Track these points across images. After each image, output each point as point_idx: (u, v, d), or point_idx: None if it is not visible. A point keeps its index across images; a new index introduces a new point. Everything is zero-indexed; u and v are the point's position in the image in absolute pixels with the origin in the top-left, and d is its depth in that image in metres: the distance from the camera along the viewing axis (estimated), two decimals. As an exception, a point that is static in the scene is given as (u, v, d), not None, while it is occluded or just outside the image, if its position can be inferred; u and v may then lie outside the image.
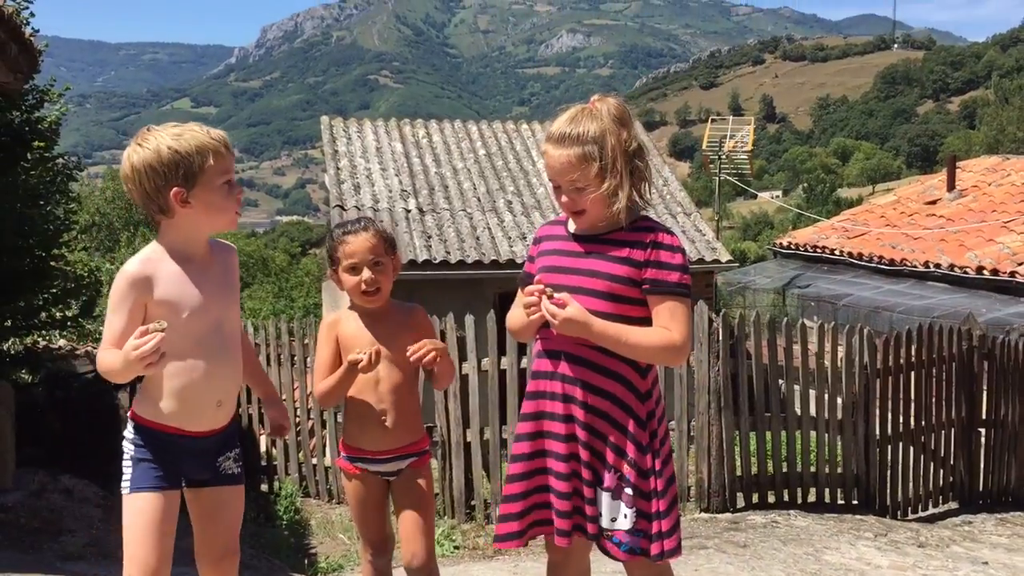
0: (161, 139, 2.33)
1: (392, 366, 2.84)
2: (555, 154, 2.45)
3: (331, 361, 2.88)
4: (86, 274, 12.72)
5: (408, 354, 2.74)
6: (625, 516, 2.46)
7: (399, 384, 2.86)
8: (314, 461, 7.36)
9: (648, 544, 2.47)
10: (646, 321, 2.46)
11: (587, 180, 2.42)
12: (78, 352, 11.75)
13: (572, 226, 2.58)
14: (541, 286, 2.45)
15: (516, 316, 2.62)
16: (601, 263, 2.47)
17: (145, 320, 2.35)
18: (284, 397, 7.48)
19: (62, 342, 12.87)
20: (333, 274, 2.91)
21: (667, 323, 2.43)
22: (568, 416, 2.50)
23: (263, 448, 7.97)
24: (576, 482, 2.51)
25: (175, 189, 2.32)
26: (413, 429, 2.92)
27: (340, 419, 7.13)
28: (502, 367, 6.14)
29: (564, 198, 2.49)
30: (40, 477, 5.74)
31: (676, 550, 2.49)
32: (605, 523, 2.49)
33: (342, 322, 2.91)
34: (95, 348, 12.46)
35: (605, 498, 2.48)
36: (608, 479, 2.47)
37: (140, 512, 2.40)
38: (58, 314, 9.79)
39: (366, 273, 2.81)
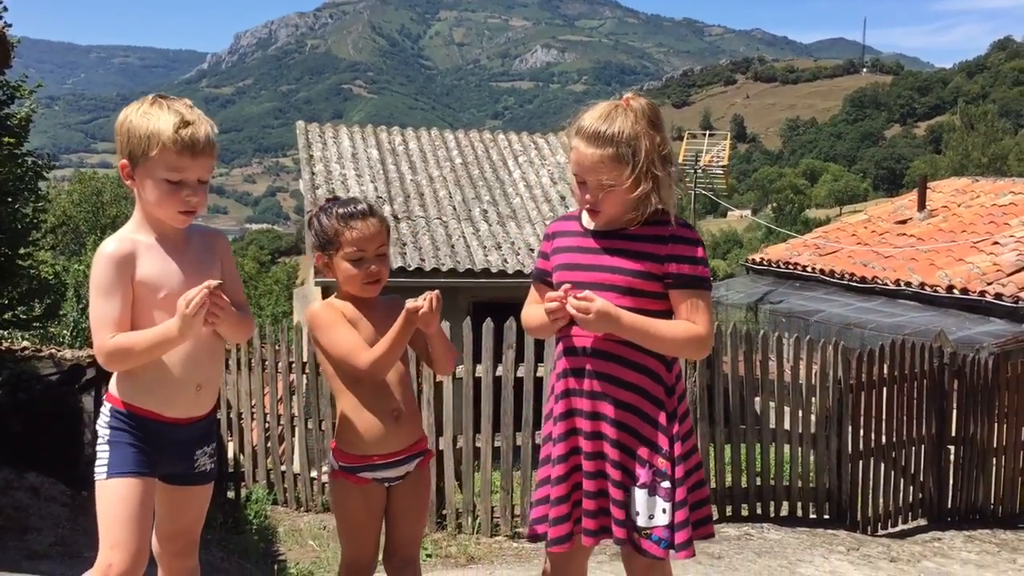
0: (137, 109, 2.32)
1: None
2: (587, 151, 2.39)
3: (358, 334, 2.60)
4: (51, 276, 12.53)
5: (411, 306, 2.52)
6: (664, 511, 2.42)
7: (404, 376, 2.70)
8: (283, 468, 7.25)
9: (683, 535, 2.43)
10: (665, 315, 2.44)
11: (617, 180, 2.38)
12: (42, 354, 11.53)
13: (588, 222, 2.54)
14: (562, 292, 2.40)
15: (533, 314, 2.59)
16: (620, 259, 2.44)
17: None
18: (254, 403, 7.38)
19: (25, 343, 12.65)
20: (323, 258, 2.68)
21: (690, 315, 2.42)
22: (594, 413, 2.47)
23: (230, 454, 7.84)
24: (602, 482, 2.47)
25: (122, 161, 2.33)
26: (419, 425, 2.75)
27: (310, 425, 7.04)
28: (476, 375, 6.09)
29: (588, 195, 2.44)
30: (5, 475, 5.60)
31: (687, 544, 2.43)
32: (642, 521, 2.44)
33: (341, 307, 2.68)
34: (59, 351, 12.27)
35: (640, 495, 2.44)
36: (643, 475, 2.43)
37: (119, 498, 2.30)
38: (22, 315, 9.63)
39: (372, 264, 2.63)
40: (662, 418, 2.45)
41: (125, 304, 2.29)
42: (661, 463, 2.43)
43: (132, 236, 2.37)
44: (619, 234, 2.47)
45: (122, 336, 2.27)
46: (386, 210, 13.32)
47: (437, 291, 2.55)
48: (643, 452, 2.44)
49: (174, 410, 2.38)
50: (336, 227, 2.63)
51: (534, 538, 2.58)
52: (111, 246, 2.32)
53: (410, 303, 2.51)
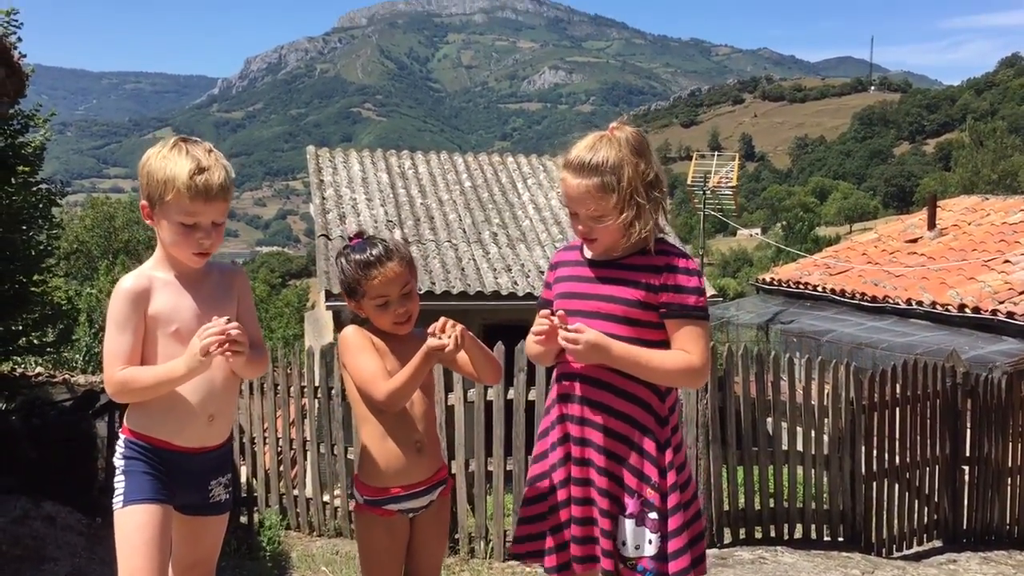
0: (157, 153, 2.38)
1: (420, 389, 2.65)
2: (573, 183, 2.43)
3: (382, 363, 2.59)
4: (64, 301, 12.62)
5: (435, 344, 2.48)
6: (650, 542, 2.42)
7: (428, 408, 2.69)
8: (295, 493, 7.25)
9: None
10: (663, 344, 2.45)
11: (605, 210, 2.40)
12: (55, 379, 11.61)
13: (587, 251, 2.57)
14: (548, 311, 2.44)
15: (533, 342, 2.61)
16: (617, 288, 2.46)
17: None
18: (266, 427, 7.39)
19: (39, 369, 12.72)
20: (352, 303, 2.68)
21: (686, 346, 2.43)
22: (582, 439, 2.48)
23: (243, 479, 7.85)
24: (588, 508, 2.47)
25: (143, 202, 2.41)
26: (439, 455, 2.75)
27: (323, 450, 7.05)
28: (488, 398, 6.09)
29: (580, 226, 2.47)
30: (22, 504, 5.62)
31: (687, 570, 2.42)
32: (629, 552, 2.44)
33: (371, 335, 2.66)
34: (72, 376, 12.33)
35: (628, 525, 2.44)
36: (631, 505, 2.44)
37: (136, 526, 2.34)
38: (36, 340, 9.70)
39: (397, 306, 2.62)
40: (652, 448, 2.45)
41: (136, 339, 2.36)
42: (650, 493, 2.43)
43: (150, 272, 2.44)
44: (615, 263, 2.49)
45: (130, 370, 2.33)
46: (396, 234, 13.38)
47: (461, 326, 2.52)
48: (632, 482, 2.44)
49: (186, 439, 2.41)
50: (356, 276, 2.62)
51: (517, 556, 2.62)
52: (128, 281, 2.39)
53: (433, 341, 2.48)
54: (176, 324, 2.38)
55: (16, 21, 10.29)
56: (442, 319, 2.54)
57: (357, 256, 2.63)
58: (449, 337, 2.47)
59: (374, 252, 2.62)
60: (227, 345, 2.26)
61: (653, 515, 2.42)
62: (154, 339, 2.38)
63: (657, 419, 2.47)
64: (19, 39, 9.12)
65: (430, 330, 2.52)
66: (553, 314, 2.44)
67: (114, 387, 2.34)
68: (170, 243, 2.40)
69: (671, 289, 2.42)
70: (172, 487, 2.41)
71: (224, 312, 2.41)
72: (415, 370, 2.51)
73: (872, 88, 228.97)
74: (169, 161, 2.34)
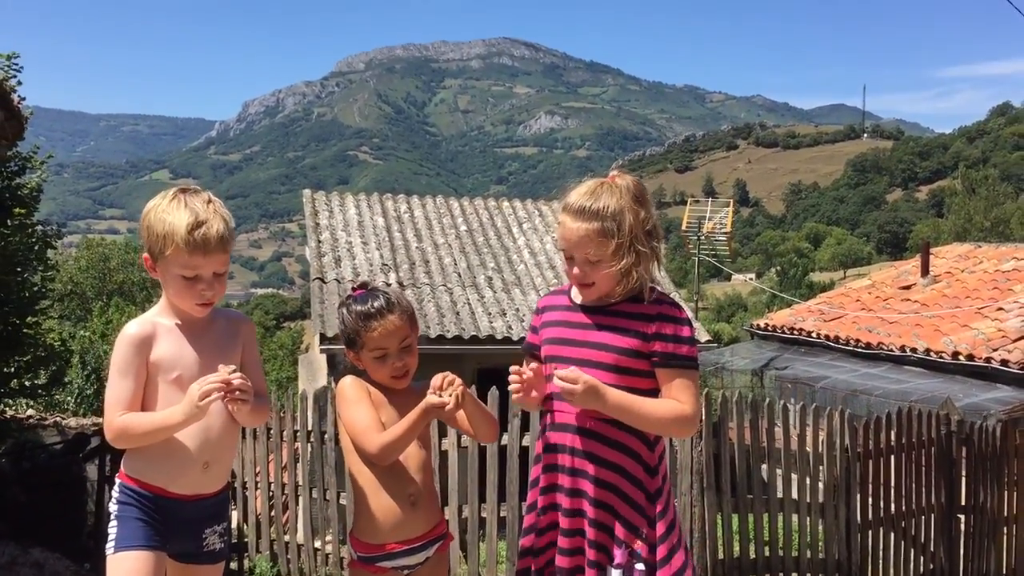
0: (156, 208, 2.40)
1: (418, 440, 2.63)
2: (573, 226, 2.44)
3: (377, 416, 2.57)
4: (57, 343, 12.59)
5: (433, 389, 2.49)
6: None
7: (424, 460, 2.66)
8: (286, 538, 7.18)
9: None
10: (651, 392, 2.45)
11: (602, 255, 2.42)
12: (46, 422, 11.53)
13: (576, 296, 2.57)
14: (517, 368, 2.44)
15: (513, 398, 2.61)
16: (608, 335, 2.46)
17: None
18: (258, 471, 7.33)
19: (30, 411, 12.64)
20: (351, 354, 2.68)
21: (677, 395, 2.43)
22: (574, 490, 2.47)
23: (234, 524, 7.78)
24: (579, 559, 2.46)
25: (144, 255, 2.44)
26: (437, 509, 2.71)
27: (315, 495, 6.99)
28: (481, 443, 6.07)
29: (576, 270, 2.48)
30: (10, 550, 5.56)
31: None
32: None
33: (368, 386, 2.65)
34: (63, 418, 12.25)
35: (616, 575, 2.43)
36: (619, 555, 2.43)
37: (126, 572, 2.33)
38: (27, 383, 9.66)
39: (395, 359, 2.61)
40: (641, 498, 2.44)
41: (138, 386, 2.37)
42: (638, 545, 2.42)
43: (154, 319, 2.46)
44: (606, 310, 2.49)
45: (129, 416, 2.35)
46: (392, 277, 13.41)
47: (462, 385, 2.50)
48: (620, 532, 2.44)
49: (180, 486, 2.41)
50: (356, 327, 2.62)
51: None
52: (132, 328, 2.43)
53: (432, 399, 2.46)
54: (178, 371, 2.40)
55: (16, 65, 10.39)
56: (442, 374, 2.52)
57: (358, 307, 2.63)
58: (450, 395, 2.45)
59: (375, 304, 2.62)
60: (229, 394, 2.28)
61: (640, 566, 2.42)
62: (156, 385, 2.39)
63: (646, 469, 2.47)
64: (19, 82, 9.20)
65: (431, 387, 2.51)
66: (538, 360, 2.45)
67: (113, 432, 2.35)
68: (173, 294, 2.43)
69: (664, 338, 2.43)
70: (166, 534, 2.40)
71: (227, 360, 2.42)
72: (411, 425, 2.49)
73: (865, 135, 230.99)
74: (168, 215, 2.36)
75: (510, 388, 2.47)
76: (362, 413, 2.56)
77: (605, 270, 2.42)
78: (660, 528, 2.44)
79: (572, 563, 2.47)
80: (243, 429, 7.27)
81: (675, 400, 2.43)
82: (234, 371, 2.32)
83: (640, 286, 2.47)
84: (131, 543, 2.35)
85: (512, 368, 2.46)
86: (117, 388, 2.37)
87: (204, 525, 2.48)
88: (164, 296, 2.48)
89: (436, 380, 2.51)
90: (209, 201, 2.42)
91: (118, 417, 2.34)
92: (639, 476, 2.45)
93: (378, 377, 2.65)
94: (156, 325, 2.44)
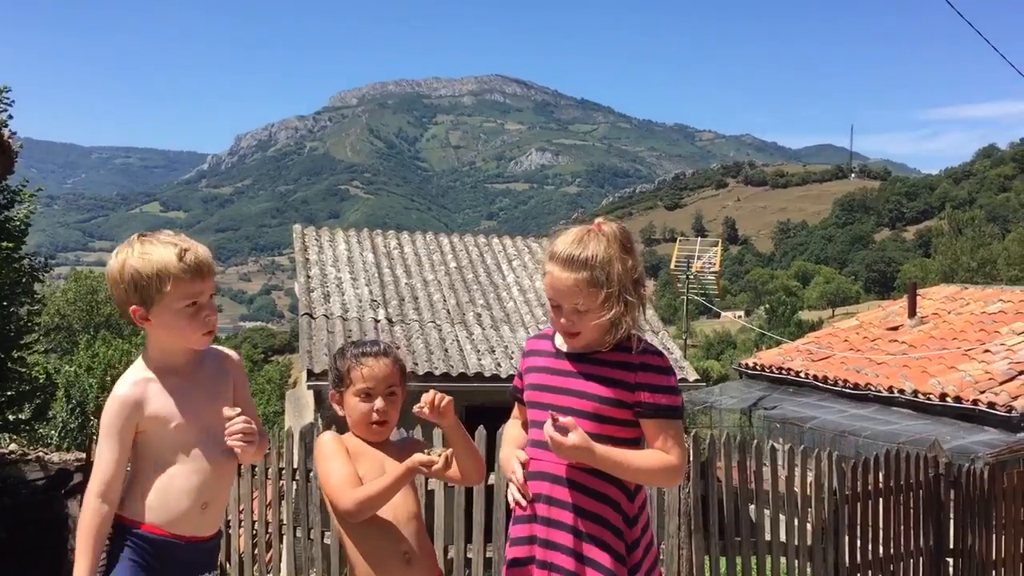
0: (129, 255, 2.33)
1: (408, 492, 2.59)
2: (561, 276, 2.41)
3: (353, 471, 2.52)
4: (42, 377, 12.48)
5: (418, 408, 2.49)
6: None
7: (416, 513, 2.62)
8: (270, 577, 7.08)
9: None
10: (632, 442, 2.44)
11: (591, 305, 2.39)
12: (28, 457, 11.39)
13: (560, 342, 2.56)
14: (516, 477, 2.48)
15: (510, 436, 2.64)
16: (589, 384, 2.45)
17: (136, 437, 2.39)
18: (242, 508, 7.25)
19: (12, 446, 12.50)
20: (336, 395, 2.68)
21: (663, 445, 2.42)
22: (547, 542, 2.44)
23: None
24: None
25: (133, 307, 2.34)
26: (434, 565, 2.64)
27: (299, 533, 6.91)
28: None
29: (563, 320, 2.45)
30: (-14, 591, 5.46)
31: None
32: None
33: (347, 440, 2.63)
34: (46, 453, 12.11)
35: None
36: None
37: None
38: (11, 417, 9.56)
39: (379, 402, 2.60)
40: (621, 548, 2.42)
41: (122, 449, 2.36)
42: None
43: (144, 376, 2.42)
44: (590, 358, 2.47)
45: (112, 493, 2.36)
46: (380, 313, 13.39)
47: (451, 449, 2.50)
48: None
49: (178, 527, 2.39)
50: (348, 363, 2.64)
51: None
52: (123, 389, 2.39)
53: (421, 457, 2.44)
54: (176, 420, 2.39)
55: (7, 99, 10.38)
56: (430, 392, 2.54)
57: (355, 348, 2.68)
58: (439, 456, 2.43)
59: (372, 347, 2.67)
60: (246, 438, 2.31)
61: None
62: (156, 438, 2.38)
63: (625, 519, 2.45)
64: (10, 116, 9.20)
65: (422, 400, 2.51)
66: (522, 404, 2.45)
67: (83, 515, 2.35)
68: (179, 331, 2.37)
69: (647, 388, 2.42)
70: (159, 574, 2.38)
71: (221, 398, 2.43)
72: (392, 482, 2.45)
73: (852, 175, 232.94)
74: (150, 255, 2.32)
75: (509, 500, 2.49)
76: (337, 469, 2.52)
77: (594, 320, 2.40)
78: None
79: None
80: (228, 466, 7.22)
81: (661, 451, 2.41)
82: (239, 414, 2.32)
83: (627, 335, 2.46)
84: None
85: (510, 476, 2.48)
86: (101, 459, 2.36)
87: (196, 571, 2.45)
88: (149, 348, 2.43)
89: (427, 396, 2.51)
90: (175, 233, 2.41)
91: (95, 500, 2.34)
92: (619, 526, 2.43)
93: (357, 420, 2.63)
94: (147, 384, 2.40)
